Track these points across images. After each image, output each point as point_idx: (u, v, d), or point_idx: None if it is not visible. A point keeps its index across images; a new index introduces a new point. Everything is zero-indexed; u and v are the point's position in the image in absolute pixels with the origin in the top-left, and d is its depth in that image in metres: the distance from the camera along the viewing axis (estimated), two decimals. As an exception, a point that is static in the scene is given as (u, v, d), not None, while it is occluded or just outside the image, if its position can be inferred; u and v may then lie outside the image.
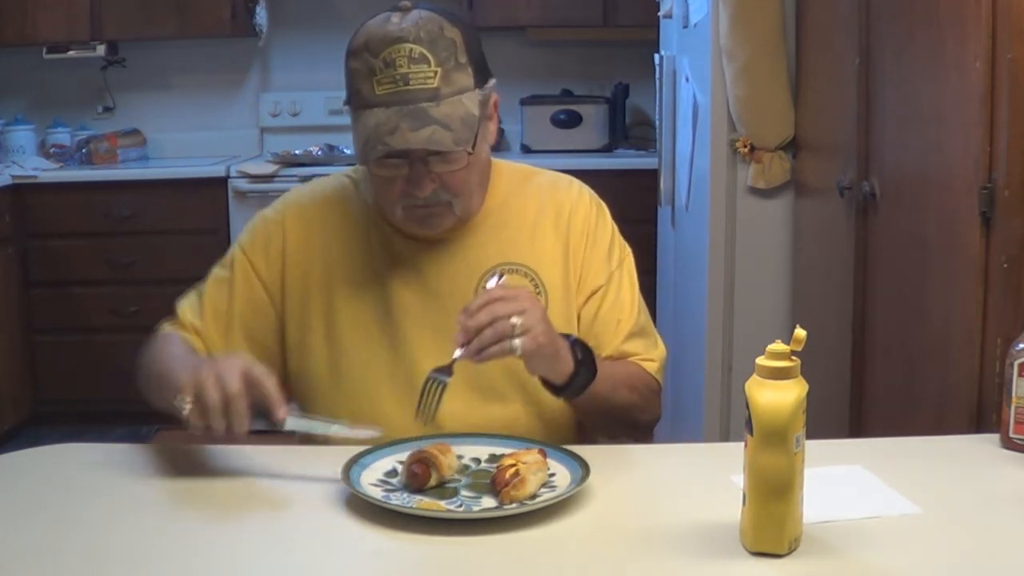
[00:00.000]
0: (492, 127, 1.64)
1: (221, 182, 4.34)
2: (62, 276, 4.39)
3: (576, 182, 1.78)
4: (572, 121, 4.61)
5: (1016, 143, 1.71)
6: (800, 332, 1.19)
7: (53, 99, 4.81)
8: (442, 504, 1.34)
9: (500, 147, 3.99)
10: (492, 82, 1.62)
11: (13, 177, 4.28)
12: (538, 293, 1.66)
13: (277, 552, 1.26)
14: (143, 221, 4.35)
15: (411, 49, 1.51)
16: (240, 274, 1.69)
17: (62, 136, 4.70)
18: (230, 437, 1.40)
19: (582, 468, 1.39)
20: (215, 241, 4.29)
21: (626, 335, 1.70)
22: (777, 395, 1.18)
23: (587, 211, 1.73)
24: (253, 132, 4.90)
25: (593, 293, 1.70)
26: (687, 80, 3.42)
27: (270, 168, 4.34)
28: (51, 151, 4.65)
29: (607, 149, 4.61)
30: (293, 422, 1.45)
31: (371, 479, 1.39)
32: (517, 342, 1.43)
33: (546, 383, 1.55)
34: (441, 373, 1.47)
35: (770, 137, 2.98)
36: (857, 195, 2.40)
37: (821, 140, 2.83)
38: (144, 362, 1.63)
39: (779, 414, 1.18)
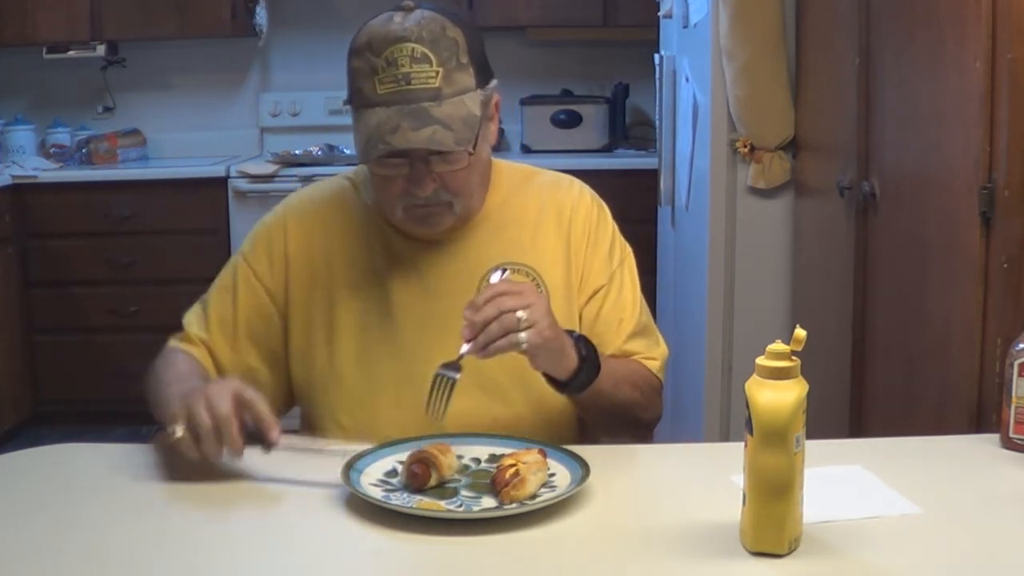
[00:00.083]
0: (493, 127, 1.65)
1: (221, 182, 4.34)
2: (62, 276, 4.39)
3: (577, 182, 1.78)
4: (572, 121, 4.61)
5: (1016, 143, 1.71)
6: (800, 332, 1.19)
7: (53, 99, 4.82)
8: (442, 504, 1.34)
9: (500, 147, 3.99)
10: (494, 83, 1.62)
11: (13, 177, 4.29)
12: (540, 293, 1.66)
13: (277, 552, 1.26)
14: (143, 221, 4.35)
15: (413, 49, 1.51)
16: (243, 282, 1.70)
17: (62, 136, 4.70)
18: (225, 459, 1.40)
19: (582, 468, 1.39)
20: (215, 241, 4.30)
21: (628, 334, 1.70)
22: (777, 395, 1.18)
23: (588, 211, 1.73)
24: (253, 132, 4.90)
25: (595, 293, 1.70)
26: (687, 80, 3.42)
27: (270, 168, 4.34)
28: (51, 151, 4.66)
29: (607, 149, 4.61)
30: (286, 444, 1.45)
31: (371, 479, 1.39)
32: (523, 335, 1.43)
33: (550, 380, 1.55)
34: (449, 369, 1.47)
35: (770, 137, 2.98)
36: (857, 195, 2.40)
37: (821, 140, 2.83)
38: (150, 383, 1.62)
39: (779, 414, 1.18)
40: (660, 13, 3.87)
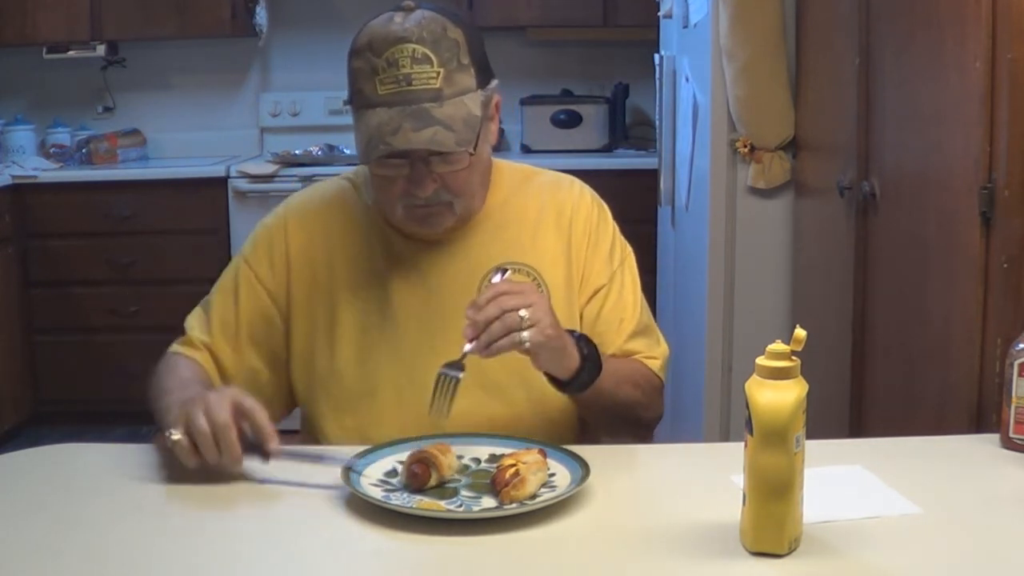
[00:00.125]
0: (494, 127, 1.65)
1: (221, 182, 4.34)
2: (62, 276, 4.39)
3: (577, 182, 1.78)
4: (572, 121, 4.61)
5: (1016, 143, 1.71)
6: (800, 332, 1.19)
7: (53, 99, 4.82)
8: (442, 504, 1.34)
9: (500, 147, 3.99)
10: (494, 83, 1.62)
11: (13, 177, 4.29)
12: (541, 292, 1.66)
13: (277, 552, 1.26)
14: (143, 221, 4.35)
15: (414, 49, 1.51)
16: (245, 284, 1.69)
17: (62, 136, 4.70)
18: (223, 467, 1.40)
19: (582, 468, 1.39)
20: (215, 241, 4.30)
21: (629, 334, 1.70)
22: (777, 395, 1.18)
23: (589, 211, 1.73)
24: (253, 132, 4.90)
25: (595, 293, 1.71)
26: (687, 80, 3.42)
27: (270, 168, 4.34)
28: (51, 151, 4.66)
29: (607, 149, 4.61)
30: (286, 453, 1.44)
31: (371, 479, 1.39)
32: (526, 334, 1.43)
33: (552, 379, 1.55)
34: (452, 369, 1.47)
35: (770, 137, 2.98)
36: (857, 195, 2.40)
37: (821, 140, 2.83)
38: (151, 389, 1.62)
39: (779, 414, 1.18)
40: (660, 13, 3.87)
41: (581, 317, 1.70)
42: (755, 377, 1.20)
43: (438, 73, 1.52)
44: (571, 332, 1.55)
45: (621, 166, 4.40)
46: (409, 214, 1.61)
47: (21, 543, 1.26)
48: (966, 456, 1.53)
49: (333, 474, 1.39)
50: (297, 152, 4.49)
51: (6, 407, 4.14)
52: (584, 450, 1.45)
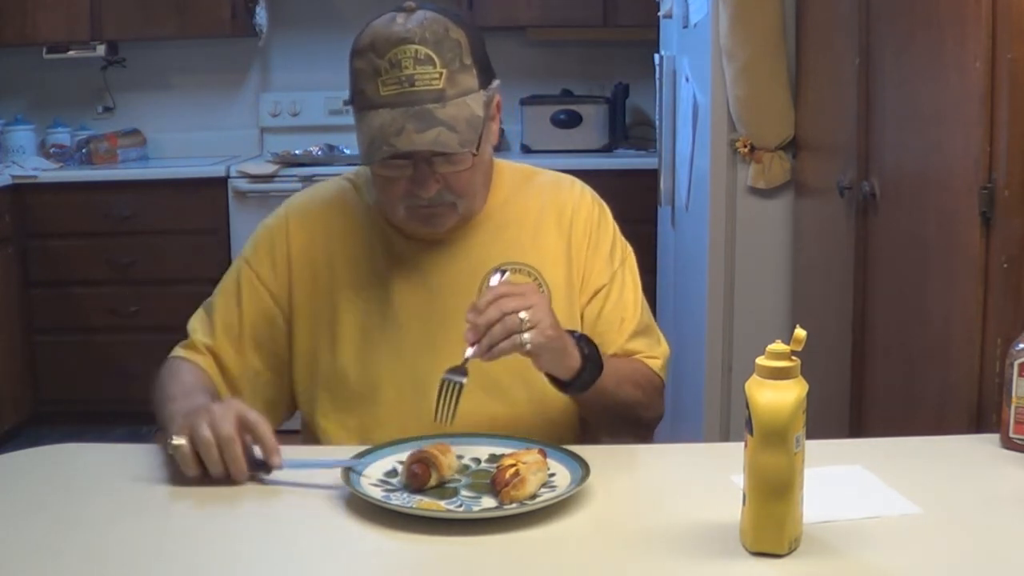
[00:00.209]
0: (495, 127, 1.65)
1: (221, 182, 4.35)
2: (62, 276, 4.39)
3: (578, 182, 1.78)
4: (572, 121, 4.61)
5: (1016, 143, 1.71)
6: (800, 332, 1.19)
7: (53, 99, 4.82)
8: (442, 504, 1.34)
9: (500, 147, 4.00)
10: (496, 83, 1.62)
11: (13, 177, 4.29)
12: (541, 293, 1.66)
13: (277, 552, 1.26)
14: (143, 221, 4.35)
15: (417, 50, 1.51)
16: (247, 286, 1.69)
17: (62, 136, 4.70)
18: (225, 479, 1.40)
19: (582, 468, 1.39)
20: (215, 241, 4.30)
21: (630, 334, 1.70)
22: (777, 395, 1.18)
23: (589, 211, 1.73)
24: (253, 132, 4.90)
25: (596, 293, 1.71)
26: (687, 80, 3.42)
27: (270, 168, 4.34)
28: (51, 151, 4.66)
29: (607, 149, 4.61)
30: (288, 465, 1.44)
31: (371, 479, 1.39)
32: (527, 336, 1.43)
33: (553, 380, 1.55)
34: (455, 374, 1.47)
35: (770, 137, 2.98)
36: (857, 195, 2.40)
37: (821, 140, 2.83)
38: (155, 395, 1.62)
39: (779, 414, 1.18)
40: (660, 13, 3.87)
41: (582, 317, 1.70)
42: (755, 377, 1.20)
43: (441, 74, 1.52)
44: (571, 332, 1.55)
45: (621, 166, 4.40)
46: (412, 214, 1.61)
47: (21, 543, 1.26)
48: (966, 456, 1.53)
49: (333, 474, 1.39)
50: (297, 152, 4.49)
51: (6, 407, 4.14)
52: (584, 450, 1.45)
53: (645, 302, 1.76)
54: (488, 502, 1.34)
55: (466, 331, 1.44)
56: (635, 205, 3.75)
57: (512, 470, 1.33)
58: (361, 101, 1.55)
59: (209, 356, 1.67)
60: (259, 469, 1.43)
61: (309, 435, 1.71)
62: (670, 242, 3.82)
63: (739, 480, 1.23)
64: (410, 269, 1.67)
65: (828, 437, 1.60)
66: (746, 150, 3.00)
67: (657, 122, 3.90)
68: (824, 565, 1.20)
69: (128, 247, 4.36)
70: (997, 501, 1.36)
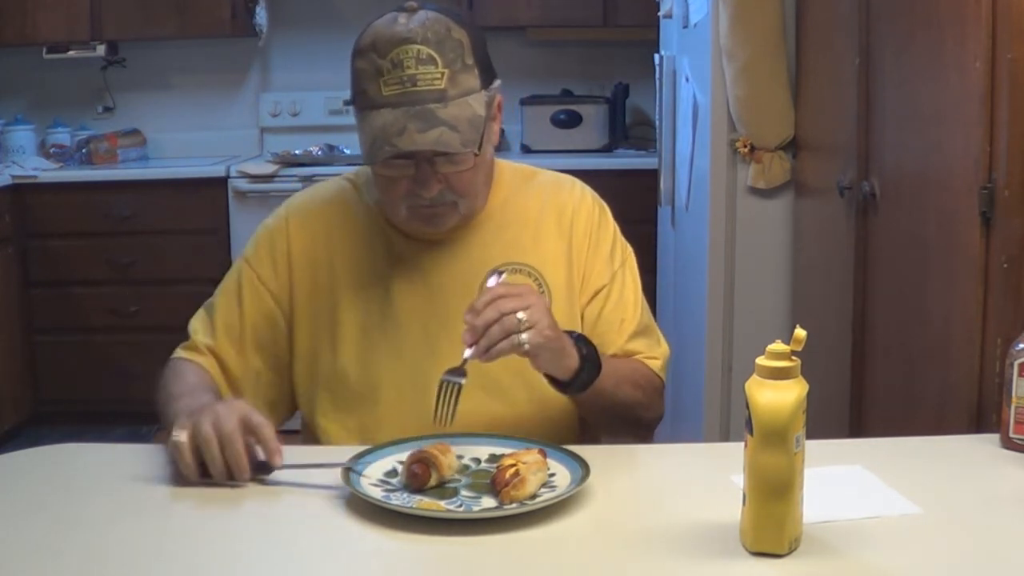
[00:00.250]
0: (496, 128, 1.65)
1: (221, 182, 4.34)
2: (62, 276, 4.39)
3: (578, 183, 1.78)
4: (572, 121, 4.61)
5: (1016, 143, 1.71)
6: (800, 332, 1.19)
7: (53, 99, 4.82)
8: (442, 504, 1.34)
9: (500, 147, 4.01)
10: (497, 83, 1.62)
11: (13, 177, 4.29)
12: (541, 293, 1.67)
13: (277, 552, 1.26)
14: (143, 221, 4.35)
15: (419, 50, 1.51)
16: (248, 287, 1.69)
17: (62, 136, 4.70)
18: (225, 479, 1.40)
19: (582, 468, 1.39)
20: (215, 241, 4.30)
21: (630, 334, 1.70)
22: (777, 395, 1.18)
23: (589, 211, 1.73)
24: (253, 132, 4.90)
25: (596, 293, 1.71)
26: (687, 80, 3.42)
27: (270, 168, 4.34)
28: (51, 151, 4.66)
29: (607, 149, 4.61)
30: (288, 468, 1.44)
31: (371, 479, 1.39)
32: (525, 336, 1.43)
33: (552, 380, 1.55)
34: (454, 375, 1.47)
35: (770, 137, 2.98)
36: (857, 195, 2.40)
37: (821, 140, 2.83)
38: (159, 396, 1.62)
39: (779, 414, 1.18)
40: (660, 13, 3.87)
41: (582, 317, 1.70)
42: (755, 377, 1.20)
43: (443, 74, 1.52)
44: (569, 333, 1.55)
45: (621, 166, 4.40)
46: (413, 214, 1.61)
47: (21, 543, 1.26)
48: (966, 456, 1.53)
49: (333, 474, 1.39)
50: (297, 152, 4.49)
51: (6, 407, 4.14)
52: (584, 450, 1.45)
53: (645, 303, 1.76)
54: (488, 502, 1.34)
55: (464, 332, 1.44)
56: (635, 205, 3.75)
57: (512, 470, 1.33)
58: (363, 101, 1.55)
59: (211, 357, 1.67)
60: (260, 471, 1.43)
61: (309, 435, 1.71)
62: (670, 242, 3.82)
63: (739, 480, 1.23)
64: (410, 269, 1.67)
65: (828, 437, 1.60)
66: (746, 150, 3.00)
67: (657, 122, 3.90)
68: (824, 565, 1.20)
69: (128, 247, 4.36)
70: (997, 501, 1.36)
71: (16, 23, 4.44)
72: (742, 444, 1.22)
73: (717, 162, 3.07)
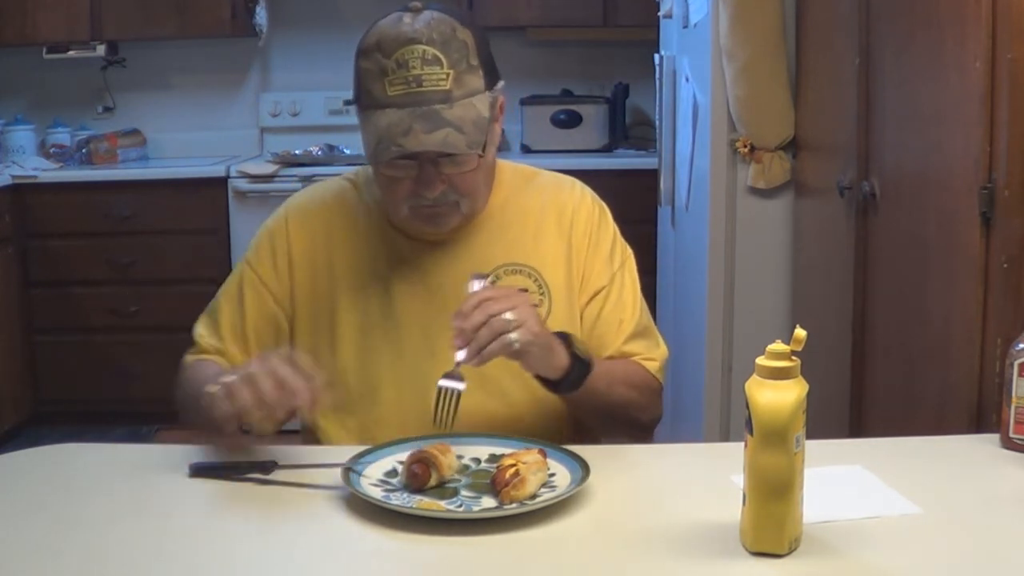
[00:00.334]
0: (498, 128, 1.65)
1: (221, 182, 4.34)
2: (62, 276, 4.39)
3: (578, 183, 1.78)
4: (572, 121, 4.61)
5: (1016, 143, 1.71)
6: (800, 332, 1.19)
7: (53, 99, 4.81)
8: (442, 504, 1.34)
9: (500, 147, 4.02)
10: (500, 84, 1.62)
11: (13, 177, 4.28)
12: (541, 294, 1.67)
13: (277, 552, 1.26)
14: (143, 221, 4.35)
15: (424, 51, 1.51)
16: (250, 289, 1.69)
17: (62, 136, 4.70)
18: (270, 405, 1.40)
19: (582, 468, 1.39)
20: (215, 241, 4.30)
21: (628, 336, 1.70)
22: (777, 395, 1.18)
23: (589, 212, 1.73)
24: (253, 132, 4.90)
25: (595, 294, 1.71)
26: (687, 80, 3.42)
27: (270, 168, 4.34)
28: (51, 151, 4.66)
29: (607, 149, 4.61)
30: (288, 468, 1.44)
31: (371, 479, 1.39)
32: (514, 335, 1.43)
33: (544, 381, 1.55)
34: (452, 380, 1.47)
35: (770, 137, 2.98)
36: (857, 195, 2.40)
37: (821, 140, 2.83)
38: (181, 395, 1.62)
39: (779, 414, 1.18)
40: (660, 13, 3.87)
41: (581, 318, 1.70)
42: (755, 377, 1.20)
43: (448, 75, 1.52)
44: (557, 333, 1.55)
45: (621, 166, 4.40)
46: (415, 214, 1.61)
47: (21, 543, 1.26)
48: (966, 456, 1.53)
49: (333, 474, 1.39)
50: (297, 152, 4.48)
51: (6, 407, 4.14)
52: (584, 450, 1.45)
53: (644, 304, 1.76)
54: (488, 502, 1.34)
55: (453, 337, 1.44)
56: (635, 205, 3.75)
57: (512, 470, 1.33)
58: (367, 100, 1.55)
59: (220, 359, 1.68)
60: (260, 470, 1.43)
61: (309, 435, 1.71)
62: (670, 242, 3.82)
63: (739, 480, 1.23)
64: (410, 269, 1.67)
65: (828, 437, 1.60)
66: (746, 150, 3.00)
67: (657, 122, 3.90)
68: (824, 565, 1.20)
69: (128, 247, 4.36)
70: (997, 501, 1.36)
71: (16, 23, 4.44)
72: (742, 444, 1.22)
73: (717, 162, 3.07)
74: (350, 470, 1.39)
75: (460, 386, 1.46)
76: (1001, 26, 1.71)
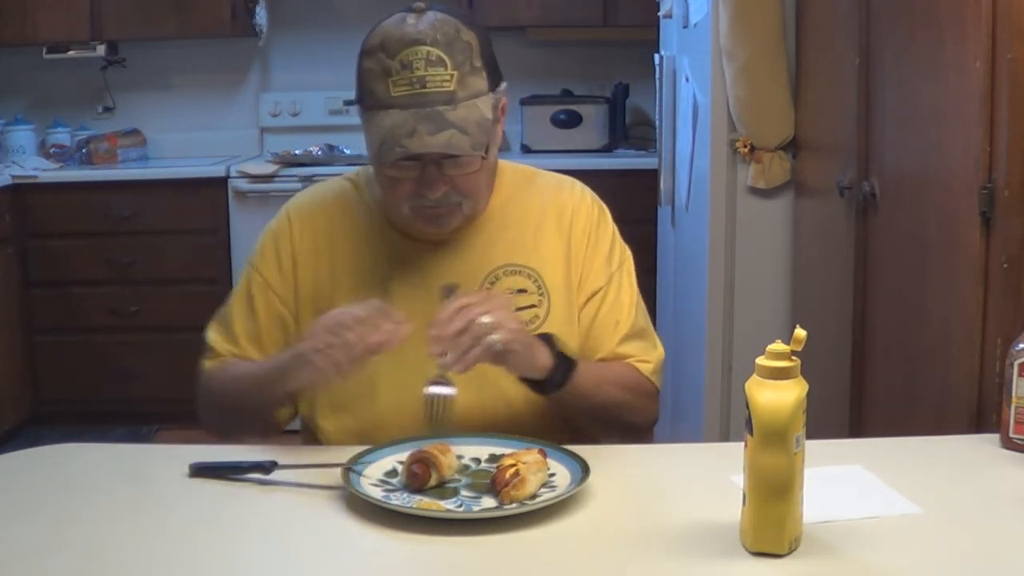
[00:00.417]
0: (500, 129, 1.65)
1: (221, 182, 4.34)
2: (62, 276, 4.39)
3: (578, 184, 1.78)
4: (572, 121, 4.61)
5: (1016, 143, 1.71)
6: (800, 332, 1.19)
7: (53, 99, 4.81)
8: (442, 504, 1.34)
9: (500, 147, 4.01)
10: (503, 85, 1.62)
11: (13, 177, 4.28)
12: (541, 295, 1.67)
13: (277, 552, 1.26)
14: (143, 221, 4.35)
15: (428, 52, 1.51)
16: (258, 292, 1.69)
17: (62, 136, 4.69)
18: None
19: (582, 468, 1.39)
20: (215, 241, 4.30)
21: (623, 337, 1.70)
22: (777, 395, 1.18)
23: (589, 213, 1.73)
24: (253, 132, 4.90)
25: (593, 295, 1.70)
26: (687, 80, 3.42)
27: (270, 168, 4.34)
28: (51, 151, 4.65)
29: (607, 149, 4.61)
30: (288, 468, 1.45)
31: (371, 479, 1.39)
32: (495, 337, 1.44)
33: (531, 383, 1.55)
34: (441, 386, 1.47)
35: (770, 137, 2.98)
36: (857, 195, 2.40)
37: (821, 140, 2.83)
38: (208, 400, 1.62)
39: (779, 414, 1.18)
40: (660, 13, 3.87)
41: (579, 319, 1.70)
42: (755, 377, 1.20)
43: (452, 76, 1.52)
44: (539, 335, 1.55)
45: (621, 166, 4.40)
46: (417, 214, 1.61)
47: (21, 543, 1.26)
48: (966, 456, 1.53)
49: (333, 474, 1.39)
50: (297, 152, 4.48)
51: (6, 407, 4.14)
52: (584, 450, 1.45)
53: (642, 306, 1.75)
54: (488, 502, 1.34)
55: (432, 348, 1.44)
56: (635, 205, 3.75)
57: (512, 470, 1.33)
58: (370, 101, 1.55)
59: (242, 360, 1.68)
60: (260, 470, 1.43)
61: (309, 435, 1.71)
62: (670, 242, 3.82)
63: (739, 480, 1.23)
64: (411, 269, 1.67)
65: (828, 437, 1.61)
66: (746, 150, 3.00)
67: (657, 122, 3.90)
68: (824, 565, 1.20)
69: (128, 247, 4.36)
70: (997, 501, 1.36)
71: (16, 23, 4.44)
72: (742, 444, 1.22)
73: (717, 162, 3.07)
74: (350, 470, 1.39)
75: (450, 391, 1.47)
76: (1001, 26, 1.71)
